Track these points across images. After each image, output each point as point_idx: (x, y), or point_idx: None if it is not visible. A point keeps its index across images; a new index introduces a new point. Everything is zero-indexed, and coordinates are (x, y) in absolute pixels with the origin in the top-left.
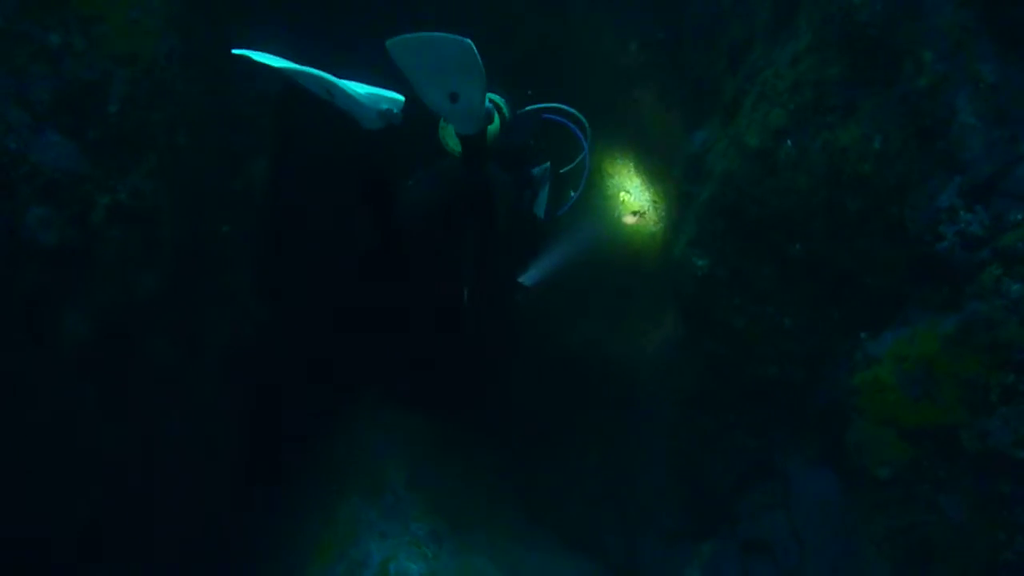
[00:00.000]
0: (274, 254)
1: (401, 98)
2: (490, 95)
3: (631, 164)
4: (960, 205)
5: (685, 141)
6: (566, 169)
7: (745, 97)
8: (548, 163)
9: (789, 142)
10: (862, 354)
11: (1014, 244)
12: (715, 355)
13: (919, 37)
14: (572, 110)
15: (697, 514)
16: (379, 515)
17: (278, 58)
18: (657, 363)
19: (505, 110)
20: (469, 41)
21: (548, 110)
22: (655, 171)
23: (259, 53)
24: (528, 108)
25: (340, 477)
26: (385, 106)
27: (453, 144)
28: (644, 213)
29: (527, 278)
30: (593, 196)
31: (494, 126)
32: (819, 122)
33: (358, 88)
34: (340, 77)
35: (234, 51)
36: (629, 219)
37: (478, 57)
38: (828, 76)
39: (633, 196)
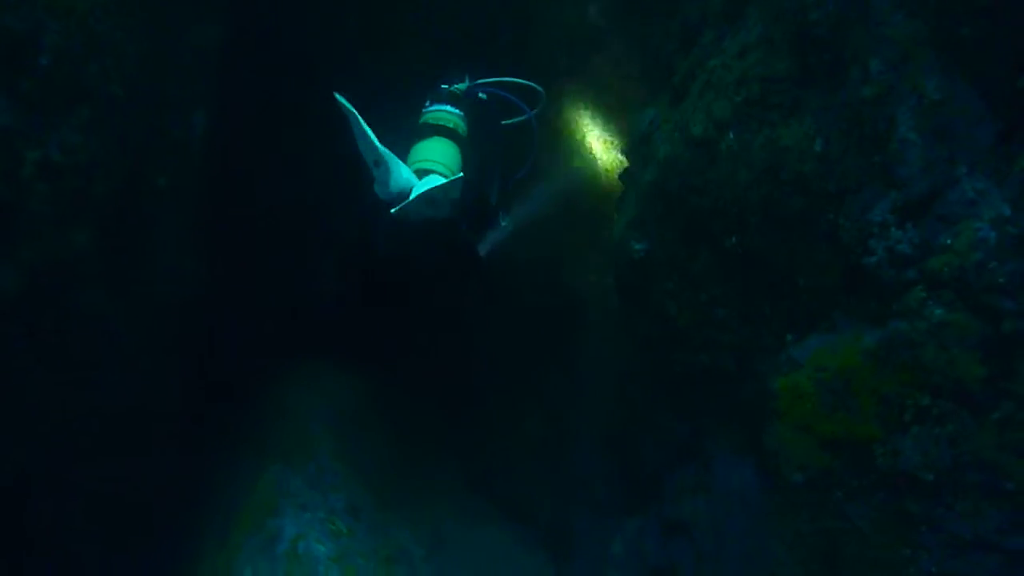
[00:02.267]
0: (213, 209)
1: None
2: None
3: (588, 132)
4: (892, 221)
5: (636, 116)
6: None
7: (693, 82)
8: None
9: (731, 135)
10: (786, 357)
11: (940, 268)
12: (648, 337)
13: (868, 44)
14: (524, 81)
15: (627, 489)
16: (303, 484)
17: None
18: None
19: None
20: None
21: (494, 85)
22: (611, 142)
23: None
24: (479, 82)
25: (266, 442)
26: (408, 192)
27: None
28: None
29: (482, 248)
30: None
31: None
32: (762, 118)
33: (403, 171)
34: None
35: (337, 95)
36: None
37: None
38: (775, 72)
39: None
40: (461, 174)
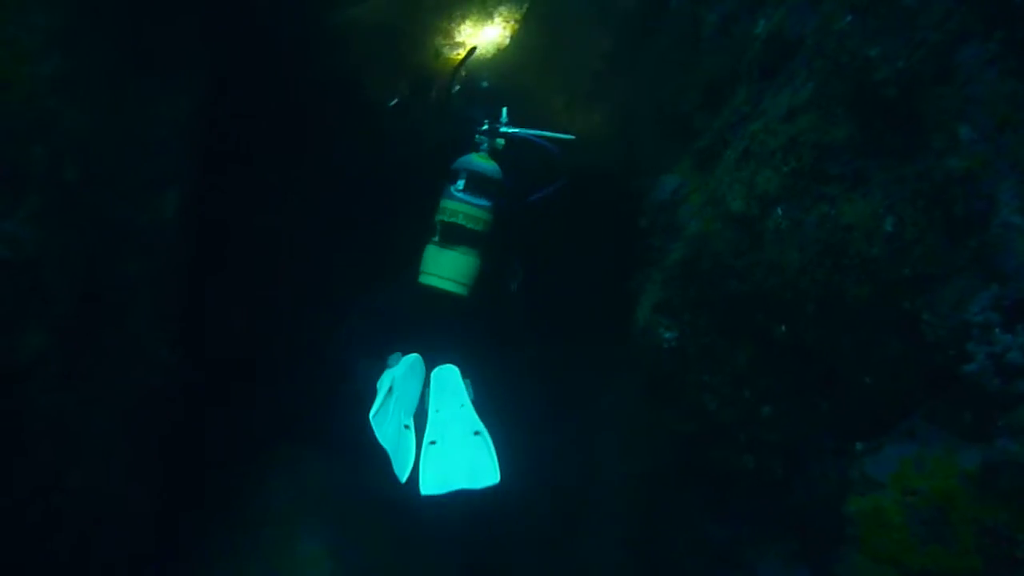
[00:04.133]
0: (188, 295)
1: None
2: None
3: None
4: (996, 322)
5: (653, 181)
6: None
7: (727, 148)
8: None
9: (780, 211)
10: (859, 472)
11: None
12: (680, 434)
13: (952, 107)
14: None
15: None
16: None
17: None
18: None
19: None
20: None
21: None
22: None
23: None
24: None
25: (248, 545)
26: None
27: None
28: None
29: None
30: None
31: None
32: (817, 192)
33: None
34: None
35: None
36: None
37: None
38: (832, 139)
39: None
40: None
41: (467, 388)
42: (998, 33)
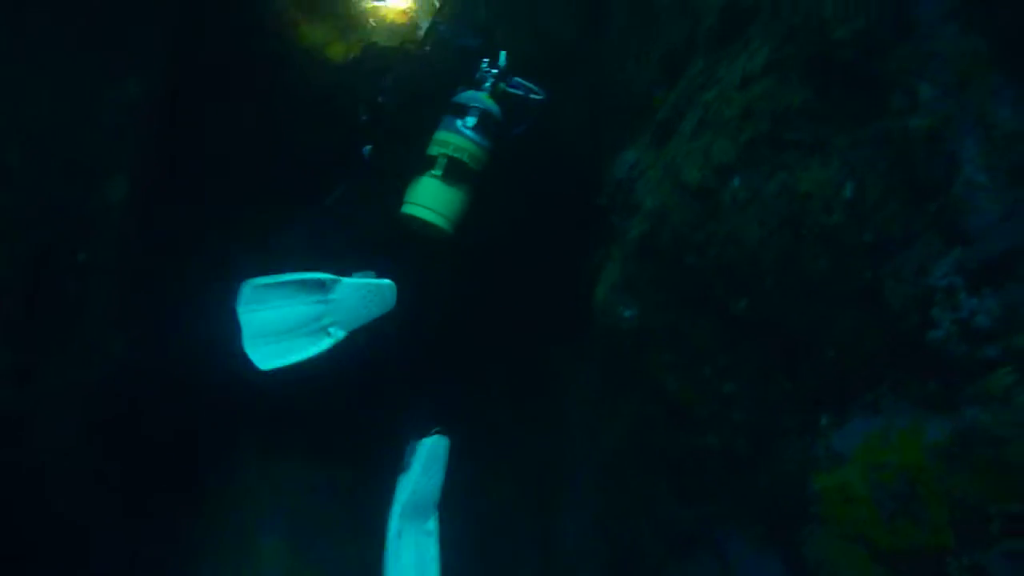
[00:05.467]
0: (139, 282)
1: None
2: None
3: None
4: (961, 285)
5: (612, 159)
6: None
7: (682, 120)
8: None
9: (737, 181)
10: (824, 447)
11: None
12: (642, 416)
13: (913, 64)
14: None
15: None
16: None
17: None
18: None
19: None
20: None
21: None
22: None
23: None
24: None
25: (204, 545)
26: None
27: None
28: None
29: None
30: None
31: None
32: (776, 160)
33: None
34: None
35: None
36: None
37: None
38: (789, 105)
39: None
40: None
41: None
42: None
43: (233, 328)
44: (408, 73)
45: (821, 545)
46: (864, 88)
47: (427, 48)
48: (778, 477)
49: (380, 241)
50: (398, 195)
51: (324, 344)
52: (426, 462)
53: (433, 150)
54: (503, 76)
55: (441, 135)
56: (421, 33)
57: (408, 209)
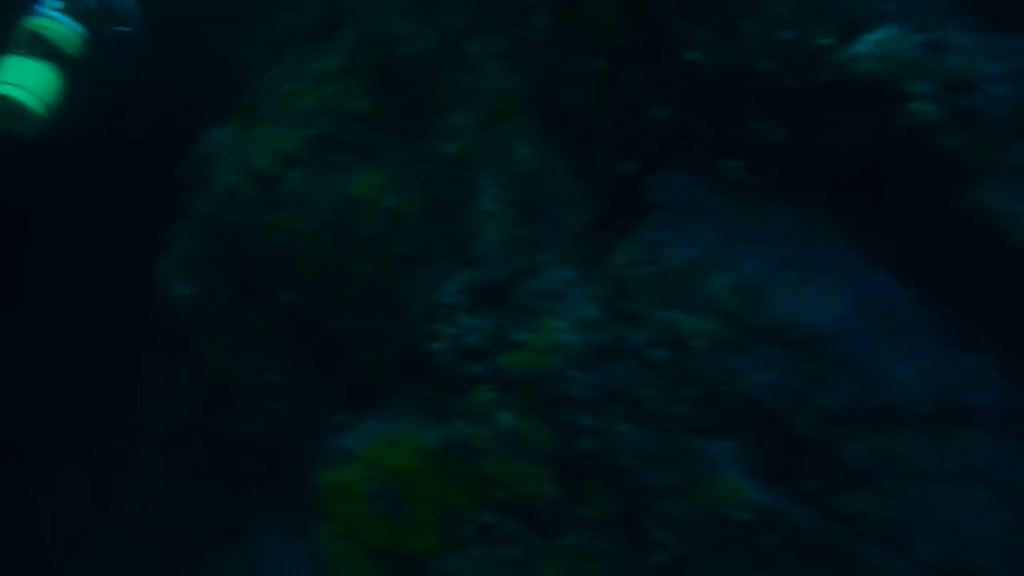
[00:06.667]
0: None
1: None
2: None
3: None
4: (462, 305)
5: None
6: None
7: (265, 105)
8: None
9: (298, 174)
10: (336, 445)
11: (511, 368)
12: (193, 397)
13: (459, 93)
14: None
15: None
16: None
17: None
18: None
19: None
20: None
21: None
22: None
23: None
24: None
25: None
26: None
27: None
28: None
29: None
30: None
31: None
32: (334, 160)
33: None
34: None
35: None
36: None
37: None
38: (354, 109)
39: None
40: None
41: None
42: (507, 28)
43: None
44: None
45: (326, 541)
46: (419, 107)
47: None
48: (303, 472)
49: None
50: None
51: None
52: None
53: (15, 32)
54: None
55: (26, 19)
56: None
57: None
